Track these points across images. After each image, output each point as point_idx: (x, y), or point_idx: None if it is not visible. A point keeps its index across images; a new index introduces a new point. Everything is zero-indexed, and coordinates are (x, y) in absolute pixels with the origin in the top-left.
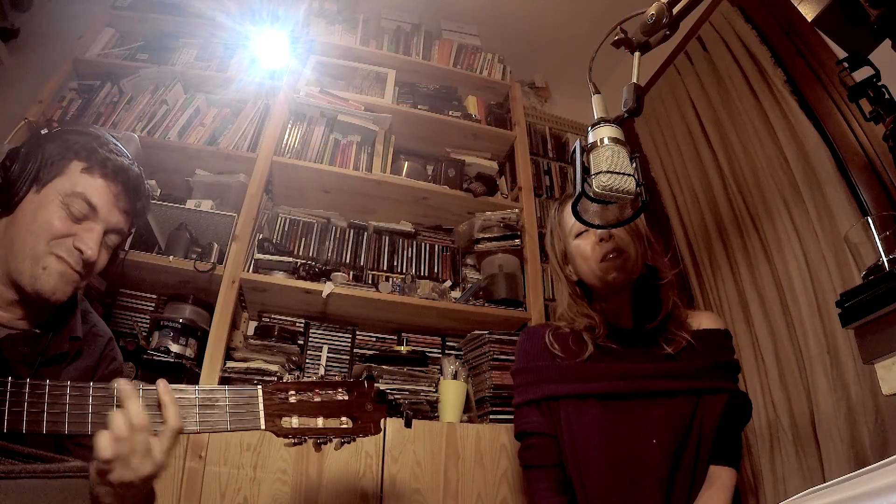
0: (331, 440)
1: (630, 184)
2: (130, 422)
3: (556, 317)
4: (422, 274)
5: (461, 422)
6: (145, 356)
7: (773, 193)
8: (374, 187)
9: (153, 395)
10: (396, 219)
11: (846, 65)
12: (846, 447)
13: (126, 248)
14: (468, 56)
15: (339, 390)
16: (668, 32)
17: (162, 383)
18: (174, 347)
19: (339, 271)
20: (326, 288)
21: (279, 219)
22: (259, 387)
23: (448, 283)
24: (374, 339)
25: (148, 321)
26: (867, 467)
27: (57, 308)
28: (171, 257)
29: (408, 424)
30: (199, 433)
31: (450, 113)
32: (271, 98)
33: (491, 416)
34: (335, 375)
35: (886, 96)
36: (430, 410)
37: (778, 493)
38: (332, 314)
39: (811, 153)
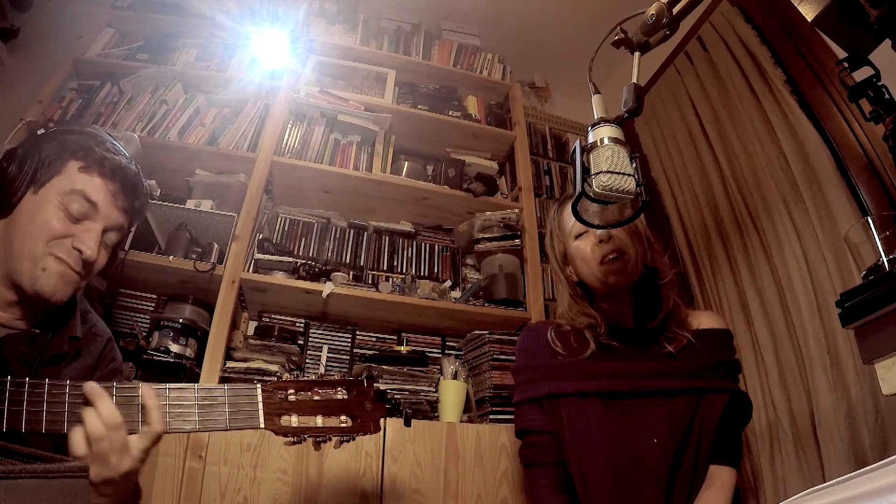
0: (330, 439)
1: (630, 184)
2: (104, 421)
3: (557, 316)
4: (422, 274)
5: (461, 422)
6: (145, 356)
7: (773, 193)
8: (374, 187)
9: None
10: (396, 219)
11: (846, 65)
12: (846, 447)
13: (126, 248)
14: (468, 56)
15: (339, 389)
16: (668, 32)
17: (145, 388)
18: (174, 347)
19: (339, 271)
20: (326, 288)
21: (279, 219)
22: (258, 385)
23: (448, 283)
24: (374, 339)
25: (148, 321)
26: (867, 467)
27: (56, 308)
28: (171, 257)
29: (407, 423)
30: (198, 432)
31: (450, 113)
32: (271, 98)
33: (491, 416)
34: (335, 375)
35: (886, 96)
36: (430, 410)
37: (778, 493)
38: (332, 314)
39: (811, 153)
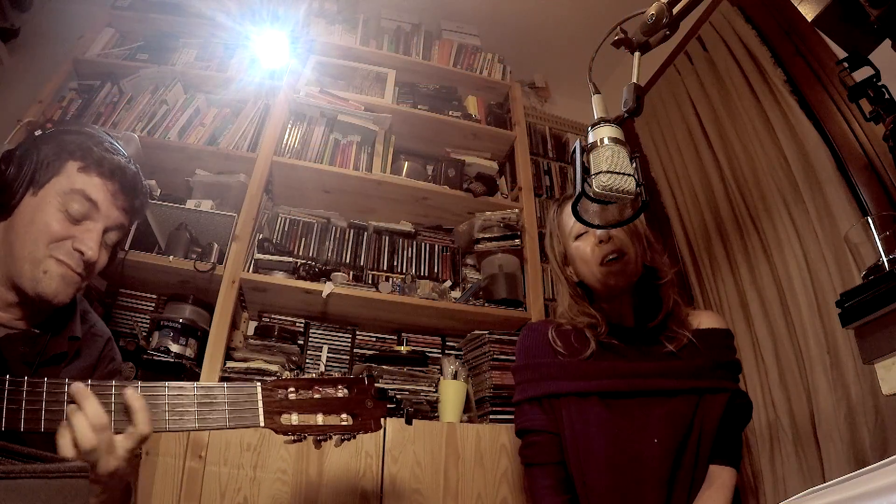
0: (331, 437)
1: (630, 184)
2: (90, 422)
3: (557, 316)
4: (422, 274)
5: (461, 422)
6: (145, 356)
7: (773, 193)
8: (374, 187)
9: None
10: (396, 219)
11: (846, 65)
12: (846, 447)
13: (126, 248)
14: (468, 56)
15: (339, 387)
16: (668, 32)
17: (129, 390)
18: (174, 347)
19: (339, 271)
20: (326, 288)
21: (279, 219)
22: (258, 384)
23: (448, 283)
24: (374, 339)
25: (148, 321)
26: (867, 467)
27: (57, 308)
28: (171, 257)
29: (408, 422)
30: (198, 431)
31: (450, 113)
32: (271, 98)
33: (491, 416)
34: (335, 374)
35: (886, 96)
36: (430, 410)
37: (778, 493)
38: (332, 314)
39: (811, 153)
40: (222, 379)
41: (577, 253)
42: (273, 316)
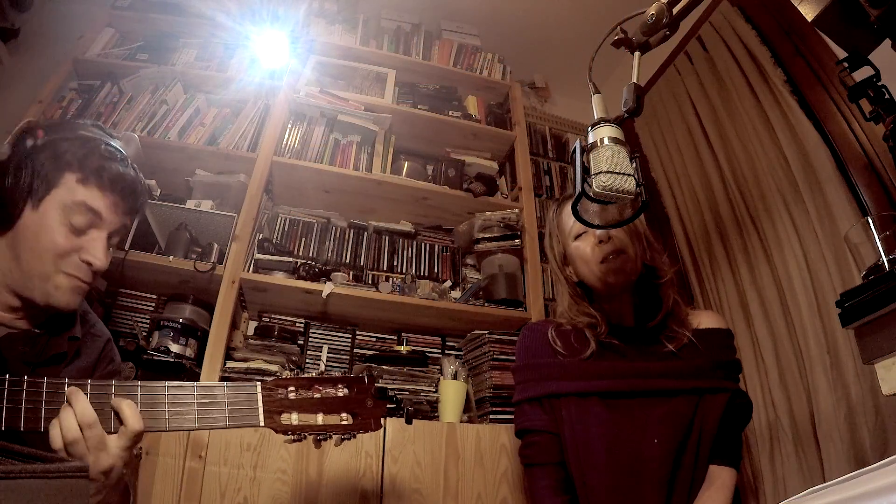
0: (331, 436)
1: (630, 184)
2: (79, 419)
3: (556, 316)
4: (422, 274)
5: (461, 422)
6: (145, 356)
7: (773, 193)
8: (374, 187)
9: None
10: (396, 219)
11: (846, 65)
12: (846, 447)
13: (126, 247)
14: (468, 56)
15: (339, 386)
16: (668, 32)
17: (115, 398)
18: (174, 347)
19: (339, 271)
20: (326, 288)
21: (279, 219)
22: (258, 383)
23: (448, 283)
24: (374, 339)
25: (148, 321)
26: (867, 467)
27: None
28: (171, 257)
29: (408, 421)
30: (198, 430)
31: (450, 113)
32: (271, 98)
33: (491, 416)
34: (335, 374)
35: (886, 96)
36: (430, 410)
37: (778, 493)
38: (332, 314)
39: (811, 153)
40: (222, 379)
41: (576, 252)
42: (273, 316)
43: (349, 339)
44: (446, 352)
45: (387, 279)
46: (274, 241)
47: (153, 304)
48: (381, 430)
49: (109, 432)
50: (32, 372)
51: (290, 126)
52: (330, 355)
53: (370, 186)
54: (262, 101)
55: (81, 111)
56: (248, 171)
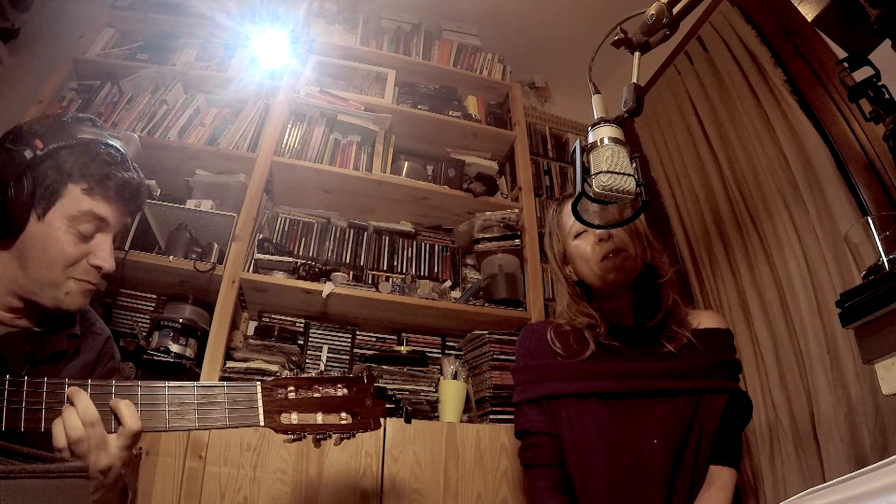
0: (330, 436)
1: (630, 184)
2: (81, 417)
3: (556, 316)
4: (422, 274)
5: (461, 422)
6: (145, 356)
7: (773, 193)
8: (374, 187)
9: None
10: (396, 219)
11: (846, 65)
12: (846, 447)
13: (126, 248)
14: (468, 56)
15: (339, 386)
16: (668, 32)
17: (113, 399)
18: (174, 347)
19: (339, 271)
20: (326, 288)
21: (279, 219)
22: (258, 383)
23: (448, 283)
24: (374, 339)
25: (148, 321)
26: (867, 467)
27: None
28: (171, 257)
29: (407, 420)
30: (198, 430)
31: (450, 113)
32: (271, 98)
33: (491, 416)
34: (334, 374)
35: (886, 96)
36: (430, 410)
37: (778, 493)
38: (332, 314)
39: (811, 153)
40: (222, 379)
41: (576, 251)
42: (273, 316)
43: (349, 339)
44: (446, 352)
45: (387, 279)
46: (274, 241)
47: (153, 304)
48: (381, 429)
49: (109, 432)
50: (32, 370)
51: (290, 126)
52: (330, 355)
53: (370, 186)
54: (262, 101)
55: (81, 111)
56: (248, 171)
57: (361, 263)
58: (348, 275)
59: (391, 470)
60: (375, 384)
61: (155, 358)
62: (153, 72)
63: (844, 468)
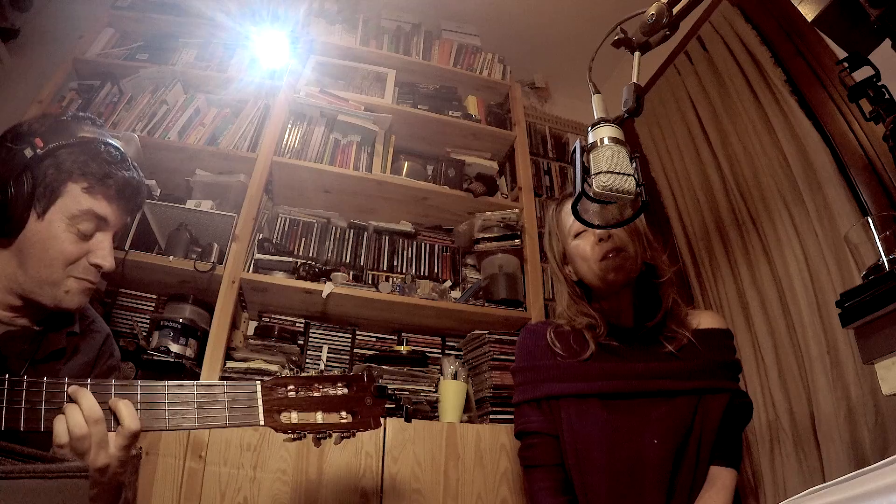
0: (330, 435)
1: (630, 184)
2: (85, 415)
3: (556, 316)
4: (422, 274)
5: (461, 422)
6: (145, 356)
7: (773, 193)
8: (374, 187)
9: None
10: (396, 219)
11: (846, 65)
12: (846, 447)
13: (126, 248)
14: (468, 56)
15: (339, 385)
16: (668, 32)
17: (112, 399)
18: (174, 347)
19: (339, 271)
20: (326, 288)
21: (279, 219)
22: (258, 382)
23: (448, 283)
24: (374, 339)
25: (148, 321)
26: (867, 467)
27: None
28: (171, 257)
29: (407, 419)
30: (197, 429)
31: (450, 113)
32: (271, 98)
33: (491, 416)
34: (335, 373)
35: (886, 96)
36: (430, 410)
37: (778, 493)
38: (332, 314)
39: (811, 153)
40: (222, 379)
41: (576, 251)
42: (273, 316)
43: (349, 339)
44: (446, 352)
45: (387, 279)
46: (274, 241)
47: (153, 304)
48: (381, 429)
49: (109, 432)
50: (31, 369)
51: (290, 126)
52: (330, 355)
53: (370, 186)
54: (262, 101)
55: (81, 111)
56: (248, 171)
57: (361, 263)
58: (348, 275)
59: (391, 470)
60: (375, 383)
61: (155, 358)
62: (153, 72)
63: (844, 468)
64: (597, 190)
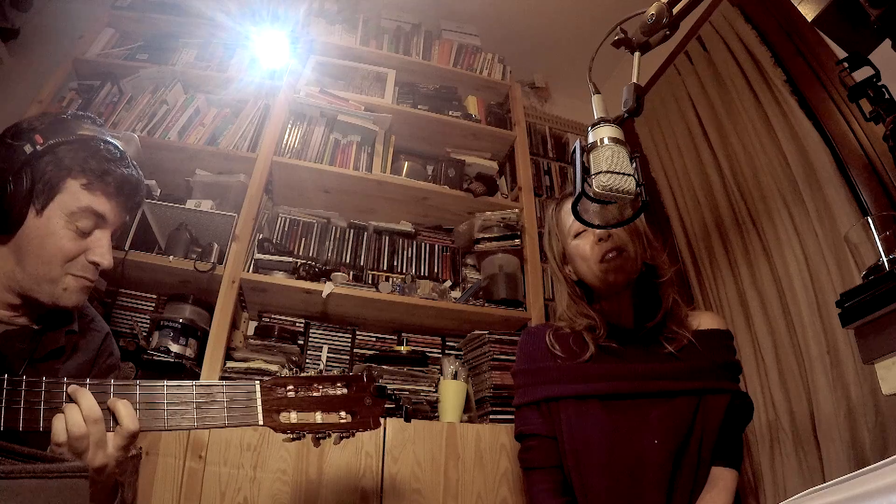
0: (329, 435)
1: (630, 184)
2: (84, 415)
3: (556, 317)
4: (422, 274)
5: (461, 422)
6: (145, 356)
7: (773, 193)
8: (374, 187)
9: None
10: (396, 219)
11: (846, 65)
12: (846, 447)
13: (126, 248)
14: (468, 56)
15: (338, 385)
16: (668, 32)
17: (111, 398)
18: (174, 347)
19: (339, 271)
20: (326, 288)
21: (279, 219)
22: (257, 382)
23: (448, 283)
24: (374, 339)
25: (148, 321)
26: (867, 467)
27: None
28: (171, 257)
29: (407, 419)
30: (196, 429)
31: (450, 113)
32: (271, 98)
33: (491, 416)
34: (334, 373)
35: (886, 96)
36: (430, 410)
37: (778, 493)
38: (332, 314)
39: (811, 153)
40: (222, 379)
41: (576, 251)
42: (273, 316)
43: (349, 339)
44: (446, 352)
45: (387, 279)
46: (274, 241)
47: (153, 304)
48: (381, 429)
49: (107, 431)
50: (30, 368)
51: (290, 126)
52: (330, 355)
53: (370, 186)
54: (262, 101)
55: (81, 111)
56: (248, 171)
57: (361, 263)
58: (348, 275)
59: (391, 470)
60: (375, 383)
61: (155, 358)
62: (153, 72)
63: (844, 468)
64: (597, 190)
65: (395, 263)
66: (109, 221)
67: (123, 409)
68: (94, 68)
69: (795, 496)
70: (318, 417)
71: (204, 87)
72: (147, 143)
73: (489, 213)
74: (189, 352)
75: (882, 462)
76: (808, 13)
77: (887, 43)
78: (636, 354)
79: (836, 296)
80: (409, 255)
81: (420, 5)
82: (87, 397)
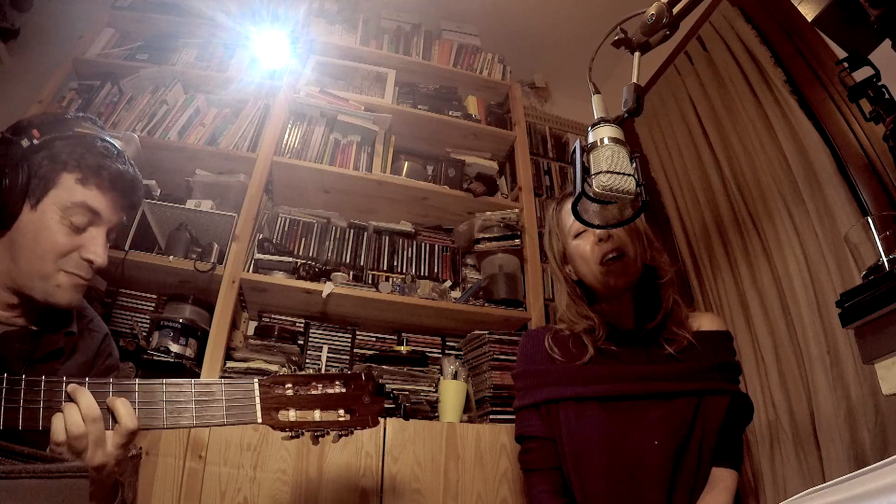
0: (328, 433)
1: (630, 184)
2: (83, 414)
3: (557, 318)
4: (422, 274)
5: (461, 422)
6: (145, 356)
7: (773, 193)
8: (374, 187)
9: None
10: (396, 219)
11: (846, 65)
12: (846, 447)
13: (126, 248)
14: (468, 56)
15: (337, 383)
16: (668, 32)
17: (109, 397)
18: (174, 347)
19: (339, 271)
20: (326, 288)
21: (279, 219)
22: (256, 380)
23: (448, 283)
24: (374, 339)
25: (148, 321)
26: (867, 467)
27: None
28: (171, 257)
29: (406, 417)
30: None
31: (450, 113)
32: (271, 98)
33: (491, 417)
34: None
35: (886, 96)
36: (430, 410)
37: (778, 493)
38: (332, 314)
39: (811, 153)
40: (222, 378)
41: (576, 251)
42: (273, 316)
43: (349, 339)
44: (446, 352)
45: (387, 279)
46: (274, 241)
47: (153, 304)
48: (381, 429)
49: (106, 430)
50: (29, 369)
51: (290, 126)
52: (330, 355)
53: (370, 186)
54: (262, 101)
55: (81, 111)
56: (248, 171)
57: (361, 263)
58: (348, 275)
59: (391, 470)
60: (374, 382)
61: (155, 358)
62: (153, 72)
63: (844, 468)
64: (597, 190)
65: (395, 263)
66: (104, 218)
67: (122, 407)
68: (94, 68)
69: (795, 496)
70: (317, 415)
71: (204, 87)
72: (147, 143)
73: (489, 213)
74: (189, 352)
75: (882, 462)
76: (808, 13)
77: (887, 43)
78: (636, 356)
79: (836, 296)
80: (409, 255)
81: (420, 5)
82: (85, 396)
